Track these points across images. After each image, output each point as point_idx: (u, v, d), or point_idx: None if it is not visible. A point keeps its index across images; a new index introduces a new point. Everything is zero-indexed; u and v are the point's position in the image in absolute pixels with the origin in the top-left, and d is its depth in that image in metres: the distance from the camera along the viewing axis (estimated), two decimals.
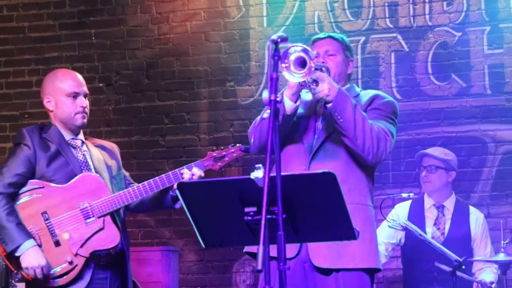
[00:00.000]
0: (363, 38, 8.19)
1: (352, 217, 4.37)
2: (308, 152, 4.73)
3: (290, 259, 4.59)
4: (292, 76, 4.35)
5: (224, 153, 5.29)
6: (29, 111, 8.69)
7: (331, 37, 5.00)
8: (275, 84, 4.06)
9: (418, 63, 8.06)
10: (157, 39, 8.64)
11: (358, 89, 5.01)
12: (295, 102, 4.61)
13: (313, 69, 4.35)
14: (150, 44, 8.64)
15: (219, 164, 5.26)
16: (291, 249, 4.61)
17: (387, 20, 8.17)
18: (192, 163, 5.26)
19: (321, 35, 5.06)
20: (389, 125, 4.77)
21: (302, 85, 4.54)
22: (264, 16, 8.43)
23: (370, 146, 4.57)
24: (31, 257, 5.07)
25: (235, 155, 5.28)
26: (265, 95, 4.07)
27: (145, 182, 5.28)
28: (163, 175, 5.26)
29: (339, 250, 4.59)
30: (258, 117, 4.72)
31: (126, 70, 8.66)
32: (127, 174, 5.63)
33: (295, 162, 4.73)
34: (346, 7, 8.26)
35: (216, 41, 8.51)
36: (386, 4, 8.17)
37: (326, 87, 4.51)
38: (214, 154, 5.28)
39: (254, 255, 4.68)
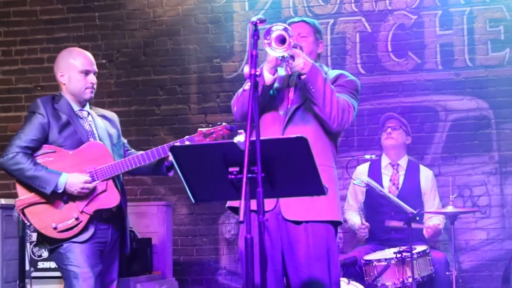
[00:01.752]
0: (332, 21, 8.16)
1: None
2: (283, 119, 4.73)
3: (268, 211, 4.62)
4: (273, 51, 4.41)
5: (212, 130, 5.27)
6: (41, 84, 8.65)
7: (303, 21, 5.03)
8: (255, 60, 4.07)
9: (380, 42, 8.04)
10: (153, 21, 8.59)
11: (326, 68, 5.01)
12: (273, 75, 4.62)
13: (292, 45, 4.40)
14: (147, 25, 8.60)
15: (208, 140, 5.24)
16: (269, 203, 4.58)
17: (353, 4, 8.14)
18: (185, 138, 5.24)
19: (295, 19, 5.06)
20: (352, 99, 4.79)
21: (281, 60, 4.55)
22: (246, 1, 8.38)
23: (336, 115, 4.60)
24: (73, 184, 5.11)
25: (221, 132, 5.26)
26: (246, 69, 4.10)
27: (143, 152, 5.29)
28: (159, 146, 5.25)
29: (307, 205, 4.61)
30: (240, 89, 4.73)
31: (125, 48, 8.62)
32: (125, 141, 5.62)
33: (272, 128, 4.72)
34: None
35: (204, 23, 8.47)
36: None
37: (302, 61, 4.56)
38: (204, 131, 5.27)
39: (234, 209, 4.77)
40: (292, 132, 4.63)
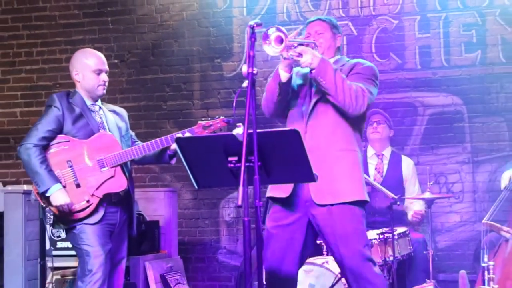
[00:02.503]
0: None
1: (342, 160, 4.67)
2: (305, 113, 4.75)
3: (285, 198, 4.73)
4: (272, 49, 4.48)
5: (211, 123, 5.31)
6: (60, 82, 8.66)
7: (319, 19, 5.00)
8: (252, 60, 4.11)
9: (364, 44, 8.05)
10: (160, 25, 8.60)
11: (346, 59, 5.01)
12: (289, 73, 4.65)
13: (287, 43, 4.46)
14: (154, 29, 8.61)
15: (206, 131, 5.28)
16: (285, 191, 4.71)
17: (340, 10, 8.15)
18: (186, 129, 5.29)
19: (312, 19, 5.04)
20: (368, 85, 4.75)
21: (290, 58, 4.57)
22: (244, 7, 8.40)
23: (350, 102, 4.57)
24: (58, 197, 5.13)
25: (219, 125, 5.29)
26: (244, 69, 4.12)
27: (148, 142, 5.34)
28: (163, 137, 5.30)
29: (334, 190, 4.63)
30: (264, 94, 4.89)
31: (135, 50, 8.63)
32: (133, 134, 5.67)
33: (297, 123, 4.73)
34: (308, 0, 8.25)
35: (206, 26, 8.48)
36: None
37: (309, 57, 4.55)
38: (203, 123, 5.31)
39: (275, 199, 4.85)
40: (314, 125, 4.71)
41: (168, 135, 5.32)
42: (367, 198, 4.76)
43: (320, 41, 4.88)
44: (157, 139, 5.31)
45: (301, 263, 4.94)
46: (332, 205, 4.62)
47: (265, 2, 8.34)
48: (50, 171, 5.18)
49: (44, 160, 5.19)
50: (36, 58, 8.84)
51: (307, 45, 4.68)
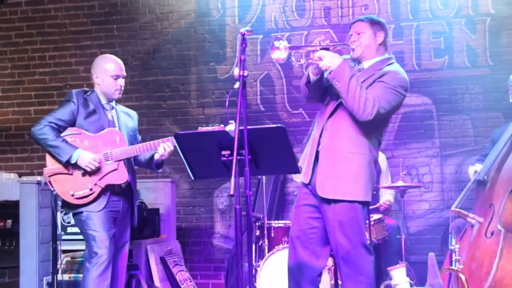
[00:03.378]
0: (306, 32, 8.17)
1: (349, 162, 4.62)
2: (328, 112, 4.73)
3: (307, 184, 4.76)
4: (281, 53, 4.50)
5: (210, 129, 5.29)
6: (70, 83, 8.63)
7: (359, 20, 4.93)
8: (243, 63, 4.09)
9: (344, 50, 8.04)
10: (160, 32, 8.58)
11: (389, 61, 4.92)
12: (316, 75, 4.70)
13: (287, 48, 4.48)
14: (155, 35, 8.59)
15: (209, 130, 5.28)
16: (305, 178, 4.74)
17: (323, 19, 8.15)
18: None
19: (354, 20, 4.98)
20: (387, 95, 4.66)
21: (311, 63, 4.62)
22: (236, 16, 8.38)
23: (357, 108, 4.52)
24: (85, 158, 5.19)
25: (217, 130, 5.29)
26: (236, 71, 4.10)
27: (149, 142, 5.36)
28: (161, 139, 5.34)
29: (336, 186, 4.60)
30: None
31: (138, 54, 8.60)
32: (140, 138, 5.70)
33: (319, 119, 4.79)
34: (294, 10, 8.23)
35: (202, 33, 8.47)
36: (322, 8, 8.15)
37: (328, 61, 4.55)
38: (203, 129, 5.30)
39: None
40: (333, 125, 4.69)
41: (161, 139, 5.34)
42: (368, 199, 4.69)
43: (360, 41, 4.85)
44: (155, 140, 5.31)
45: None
46: (335, 201, 4.60)
47: (255, 12, 8.33)
48: (66, 141, 5.22)
49: (59, 135, 5.24)
50: (49, 61, 8.81)
51: (334, 48, 4.69)
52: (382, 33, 4.90)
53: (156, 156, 5.39)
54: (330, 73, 4.57)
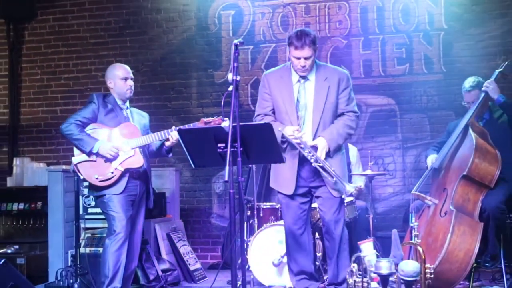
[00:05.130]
0: None
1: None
2: None
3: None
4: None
5: (211, 120, 5.33)
6: (90, 87, 8.60)
7: (307, 46, 4.84)
8: (236, 70, 4.11)
9: (321, 58, 7.99)
10: (166, 43, 8.55)
11: (322, 64, 5.11)
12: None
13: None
14: (162, 46, 8.55)
15: (207, 126, 5.29)
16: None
17: None
18: (191, 124, 5.34)
19: (299, 45, 4.85)
20: (353, 99, 5.08)
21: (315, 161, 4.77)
22: (230, 30, 8.36)
23: (353, 134, 5.09)
24: (105, 147, 5.24)
25: (217, 122, 5.30)
26: (230, 77, 4.09)
27: (158, 132, 5.39)
28: (168, 129, 5.39)
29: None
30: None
31: (147, 62, 8.56)
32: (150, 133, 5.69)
33: None
34: (279, 24, 8.21)
35: (201, 44, 8.43)
36: (303, 23, 8.13)
37: (323, 152, 4.80)
38: (205, 120, 5.35)
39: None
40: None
41: (172, 128, 5.37)
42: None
43: (308, 64, 4.88)
44: (164, 130, 5.34)
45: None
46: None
47: (246, 26, 8.30)
48: (89, 135, 5.27)
49: (83, 130, 5.29)
50: (72, 68, 8.77)
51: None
52: (317, 48, 5.00)
53: (167, 143, 5.44)
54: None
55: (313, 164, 4.72)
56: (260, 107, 5.13)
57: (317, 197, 5.01)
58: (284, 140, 4.84)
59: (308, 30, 4.91)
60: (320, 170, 4.72)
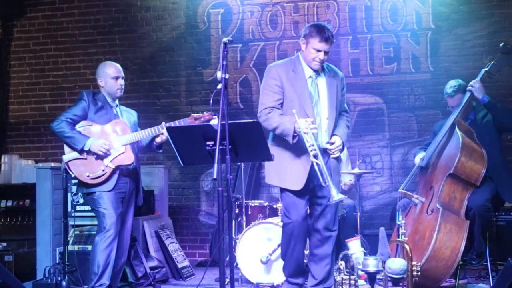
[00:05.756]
0: (278, 42, 8.16)
1: None
2: None
3: None
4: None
5: (201, 115, 5.34)
6: (79, 84, 8.58)
7: (330, 39, 4.89)
8: (225, 68, 4.10)
9: None
10: (155, 41, 8.53)
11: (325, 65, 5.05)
12: None
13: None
14: (151, 44, 8.54)
15: (197, 121, 5.30)
16: None
17: (292, 31, 8.14)
18: (181, 119, 5.34)
19: (324, 38, 4.86)
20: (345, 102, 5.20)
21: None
22: (219, 28, 8.35)
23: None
24: (96, 144, 5.23)
25: (207, 117, 5.31)
26: (219, 75, 4.10)
27: (146, 129, 5.41)
28: (156, 126, 5.40)
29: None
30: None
31: (136, 60, 8.55)
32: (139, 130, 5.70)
33: None
34: (268, 23, 8.21)
35: (190, 42, 8.43)
36: (291, 22, 8.14)
37: (337, 150, 4.93)
38: (195, 116, 5.35)
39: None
40: None
41: (162, 124, 5.39)
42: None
43: (325, 58, 4.95)
44: (153, 127, 5.34)
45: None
46: None
47: (235, 25, 8.30)
48: (79, 132, 5.27)
49: (74, 128, 5.28)
50: (61, 66, 8.74)
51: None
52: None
53: (158, 139, 5.47)
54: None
55: (311, 159, 4.57)
56: (268, 100, 4.90)
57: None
58: (296, 134, 4.71)
59: (328, 26, 4.93)
60: (316, 168, 4.57)
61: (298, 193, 4.91)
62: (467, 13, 7.67)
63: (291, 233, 5.01)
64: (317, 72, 4.95)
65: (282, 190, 4.98)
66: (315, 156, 4.57)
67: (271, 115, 4.83)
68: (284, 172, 4.89)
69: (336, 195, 4.53)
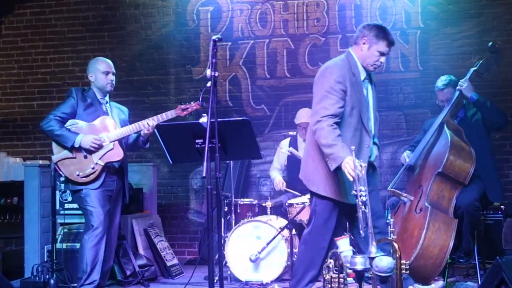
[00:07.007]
0: (267, 40, 8.15)
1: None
2: None
3: None
4: None
5: (188, 106, 5.35)
6: (67, 81, 8.54)
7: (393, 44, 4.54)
8: (214, 66, 4.09)
9: (300, 55, 8.05)
10: (144, 39, 8.51)
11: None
12: None
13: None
14: (140, 42, 8.51)
15: (184, 112, 5.32)
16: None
17: (282, 29, 8.13)
18: (168, 111, 5.36)
19: (392, 41, 4.55)
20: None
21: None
22: (209, 26, 8.34)
23: None
24: (86, 140, 5.24)
25: (194, 107, 5.32)
26: (208, 72, 4.09)
27: (133, 124, 5.44)
28: (142, 120, 5.42)
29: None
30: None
31: (126, 57, 8.52)
32: None
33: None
34: (257, 21, 8.20)
35: (180, 40, 8.41)
36: (281, 20, 8.14)
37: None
38: (182, 106, 5.38)
39: (335, 201, 4.51)
40: None
41: (149, 118, 5.39)
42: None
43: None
44: (138, 122, 5.37)
45: None
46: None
47: (225, 22, 8.29)
48: (69, 130, 5.26)
49: (63, 126, 5.28)
50: (49, 63, 8.70)
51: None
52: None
53: (143, 133, 5.44)
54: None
55: (358, 203, 3.95)
56: (334, 106, 4.33)
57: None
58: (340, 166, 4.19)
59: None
60: (360, 215, 3.98)
61: (339, 204, 4.56)
62: (456, 12, 7.69)
63: (322, 247, 4.83)
64: (369, 76, 4.61)
65: (327, 199, 4.59)
66: (364, 203, 3.95)
67: (332, 130, 4.26)
68: (338, 183, 4.48)
69: (373, 252, 4.02)
